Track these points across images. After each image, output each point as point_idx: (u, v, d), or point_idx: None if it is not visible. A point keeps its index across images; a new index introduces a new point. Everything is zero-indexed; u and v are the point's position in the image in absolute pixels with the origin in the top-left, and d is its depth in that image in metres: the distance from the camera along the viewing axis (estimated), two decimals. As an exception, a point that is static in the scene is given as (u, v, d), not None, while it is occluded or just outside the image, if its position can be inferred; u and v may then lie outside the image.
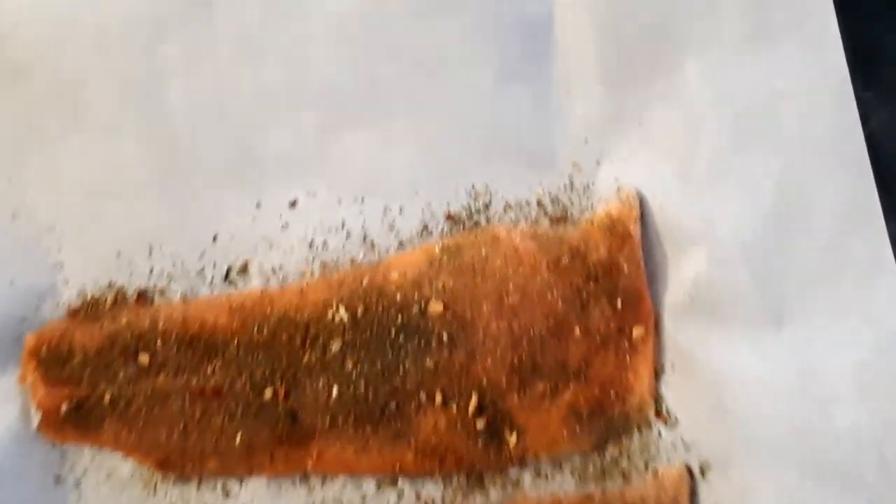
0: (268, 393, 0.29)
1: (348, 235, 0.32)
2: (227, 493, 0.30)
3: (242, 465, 0.29)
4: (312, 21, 0.32)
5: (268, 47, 0.32)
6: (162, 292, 0.31)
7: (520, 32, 0.33)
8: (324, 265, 0.31)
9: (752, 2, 0.32)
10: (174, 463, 0.29)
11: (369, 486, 0.30)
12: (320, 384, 0.29)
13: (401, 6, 0.32)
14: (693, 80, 0.32)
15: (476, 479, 0.30)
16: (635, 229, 0.30)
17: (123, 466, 0.30)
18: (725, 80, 0.31)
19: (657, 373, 0.31)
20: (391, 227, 0.32)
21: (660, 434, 0.30)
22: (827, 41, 0.31)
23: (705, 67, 0.32)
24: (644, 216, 0.31)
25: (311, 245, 0.31)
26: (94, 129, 0.31)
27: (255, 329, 0.29)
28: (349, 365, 0.29)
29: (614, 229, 0.30)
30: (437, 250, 0.30)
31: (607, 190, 0.32)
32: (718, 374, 0.29)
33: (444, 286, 0.30)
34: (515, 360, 0.29)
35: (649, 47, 0.32)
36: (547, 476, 0.30)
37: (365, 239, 0.32)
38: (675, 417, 0.30)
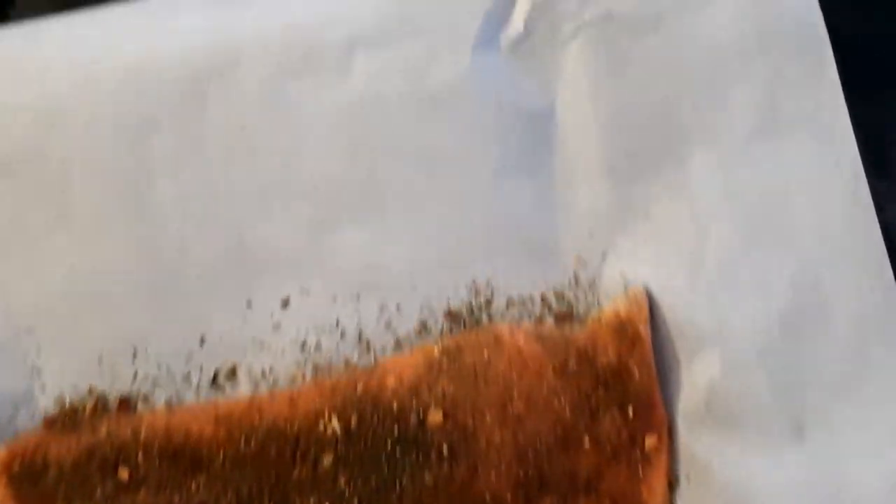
0: (255, 512, 0.27)
1: (343, 335, 0.29)
2: None
3: (227, 587, 0.27)
4: (307, 114, 0.31)
5: (261, 141, 0.30)
6: (146, 398, 0.29)
7: (521, 124, 0.31)
8: (316, 367, 0.29)
9: (761, 93, 0.30)
10: (153, 588, 0.26)
11: None
12: (311, 502, 0.27)
13: (398, 99, 0.31)
14: (701, 173, 0.30)
15: None
16: (645, 331, 0.28)
17: (100, 587, 0.28)
18: (734, 174, 0.30)
19: (672, 485, 0.28)
20: (388, 326, 0.30)
21: (676, 552, 0.28)
22: (838, 133, 0.30)
23: (713, 160, 0.30)
24: (653, 315, 0.29)
25: (303, 346, 0.29)
26: (79, 227, 0.29)
27: (243, 441, 0.27)
28: (342, 481, 0.27)
29: (623, 330, 0.28)
30: (436, 352, 0.28)
31: (614, 286, 0.30)
32: (737, 488, 0.27)
33: (443, 392, 0.27)
34: (521, 474, 0.27)
35: (654, 139, 0.31)
36: None
37: (360, 338, 0.29)
38: (693, 534, 0.28)
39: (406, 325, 0.29)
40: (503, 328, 0.29)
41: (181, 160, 0.30)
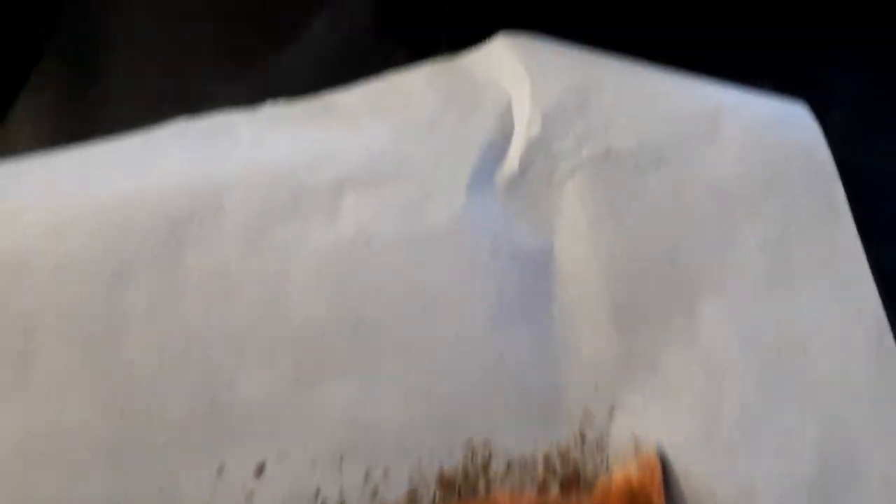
0: None
1: (323, 507, 0.26)
2: None
3: None
4: (293, 258, 0.28)
5: (242, 288, 0.28)
6: (99, 584, 0.25)
7: (518, 267, 0.29)
8: (294, 546, 0.26)
9: (772, 236, 0.28)
10: None
11: None
12: None
13: (389, 241, 0.29)
14: (712, 320, 0.28)
15: None
16: (659, 501, 0.25)
17: None
18: (748, 323, 0.27)
19: None
20: (374, 496, 0.26)
21: None
22: (857, 279, 0.28)
23: (725, 308, 0.28)
24: (668, 482, 0.26)
25: (279, 521, 0.26)
26: (40, 383, 0.27)
27: None
28: None
29: (635, 501, 0.25)
30: (427, 531, 0.25)
31: (624, 446, 0.27)
32: None
33: (435, 579, 0.24)
34: None
35: (660, 283, 0.28)
36: None
37: (343, 510, 0.26)
38: None
39: (394, 494, 0.26)
40: (503, 500, 0.26)
41: (155, 311, 0.27)
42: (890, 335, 0.27)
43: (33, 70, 0.37)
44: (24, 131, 0.37)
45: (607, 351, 0.28)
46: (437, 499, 0.26)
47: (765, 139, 0.30)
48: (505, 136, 0.31)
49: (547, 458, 0.27)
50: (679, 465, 0.26)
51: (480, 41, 0.32)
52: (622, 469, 0.26)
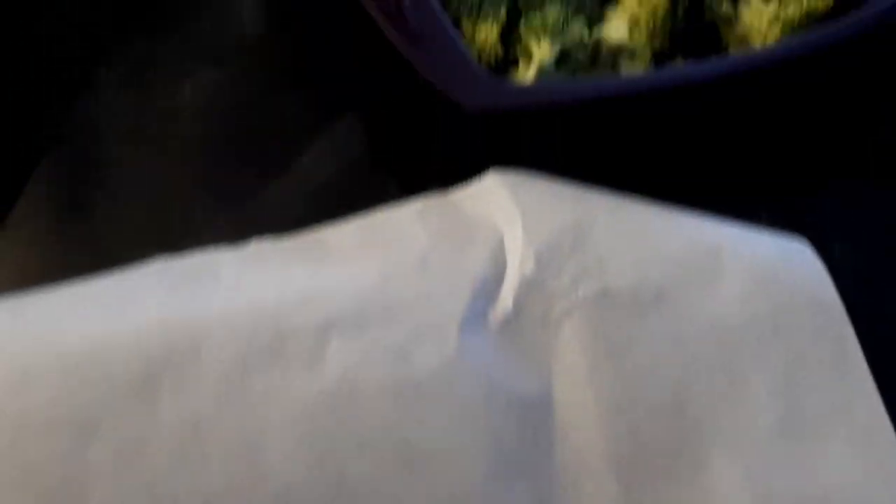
0: None
1: None
2: None
3: None
4: (271, 409, 0.26)
5: (215, 444, 0.26)
6: None
7: (514, 416, 0.27)
8: None
9: (781, 383, 0.26)
10: None
11: None
12: None
13: (376, 389, 0.27)
14: (723, 476, 0.25)
15: None
16: None
17: None
18: (763, 481, 0.25)
19: None
20: None
21: None
22: (876, 430, 0.26)
23: (736, 460, 0.25)
24: None
25: None
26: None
27: None
28: None
29: None
30: None
31: None
32: None
33: None
34: None
35: (666, 432, 0.26)
36: None
37: None
38: None
39: None
40: None
41: (121, 469, 0.25)
42: (916, 492, 0.25)
43: (14, 204, 0.36)
44: (3, 267, 0.35)
45: (613, 511, 0.25)
46: None
47: (768, 278, 0.28)
48: (498, 275, 0.29)
49: None
50: None
51: (472, 175, 0.32)
52: None
